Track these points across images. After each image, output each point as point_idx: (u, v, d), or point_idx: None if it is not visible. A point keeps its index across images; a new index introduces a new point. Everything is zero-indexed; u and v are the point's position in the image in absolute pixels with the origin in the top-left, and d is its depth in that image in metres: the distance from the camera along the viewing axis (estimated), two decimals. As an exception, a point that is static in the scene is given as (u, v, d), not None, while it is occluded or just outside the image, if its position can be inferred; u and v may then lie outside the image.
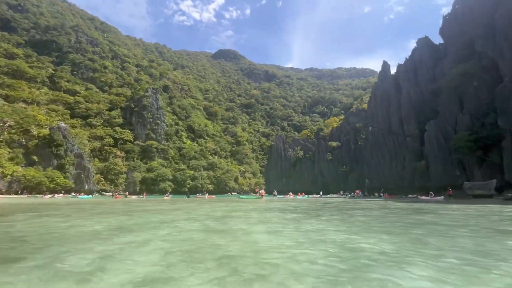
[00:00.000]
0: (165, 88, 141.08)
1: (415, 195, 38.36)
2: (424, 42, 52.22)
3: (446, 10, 69.13)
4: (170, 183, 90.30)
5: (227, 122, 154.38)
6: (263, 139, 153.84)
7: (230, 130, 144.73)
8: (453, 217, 10.16)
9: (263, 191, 43.72)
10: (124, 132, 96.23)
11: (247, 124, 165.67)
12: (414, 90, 48.88)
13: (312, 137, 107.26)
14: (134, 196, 52.65)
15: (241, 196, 44.36)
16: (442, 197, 31.56)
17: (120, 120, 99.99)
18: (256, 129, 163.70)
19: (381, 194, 43.95)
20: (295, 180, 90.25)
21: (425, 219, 9.44)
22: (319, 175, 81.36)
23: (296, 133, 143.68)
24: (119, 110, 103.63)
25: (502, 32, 34.08)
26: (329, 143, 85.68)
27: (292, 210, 14.49)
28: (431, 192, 34.09)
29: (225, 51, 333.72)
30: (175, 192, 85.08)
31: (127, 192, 61.58)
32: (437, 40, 50.34)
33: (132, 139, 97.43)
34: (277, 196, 47.95)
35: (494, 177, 30.14)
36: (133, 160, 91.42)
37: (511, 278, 3.13)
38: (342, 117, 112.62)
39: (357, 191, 52.89)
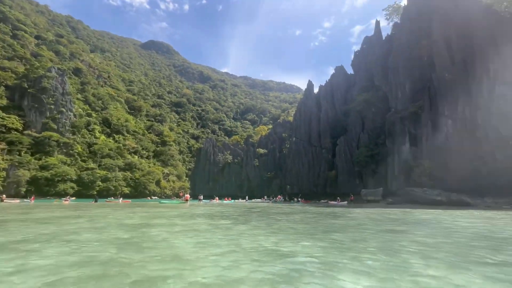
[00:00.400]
0: (77, 72, 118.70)
1: (325, 200, 43.95)
2: (340, 70, 61.71)
3: (356, 47, 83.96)
4: (73, 185, 75.25)
5: (153, 120, 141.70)
6: (192, 141, 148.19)
7: (156, 129, 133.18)
8: (358, 220, 11.85)
9: (188, 196, 41.46)
10: (9, 117, 75.12)
11: (175, 124, 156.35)
12: (330, 109, 56.73)
13: (242, 143, 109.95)
14: (16, 200, 40.93)
15: (162, 201, 40.81)
16: (346, 202, 37.24)
17: (4, 102, 77.76)
18: (186, 130, 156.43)
19: (299, 199, 48.42)
20: (221, 184, 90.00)
21: (338, 222, 10.64)
22: (246, 180, 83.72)
23: (227, 138, 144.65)
24: (2, 88, 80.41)
25: (392, 72, 43.65)
26: (257, 149, 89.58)
27: (220, 215, 14.02)
28: (338, 198, 39.76)
29: (158, 43, 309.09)
30: (79, 195, 71.30)
31: (4, 195, 47.34)
32: (350, 70, 60.36)
33: (21, 128, 76.94)
34: (203, 200, 46.44)
35: (382, 186, 37.68)
36: (20, 154, 72.04)
37: (415, 276, 3.60)
38: (270, 126, 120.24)
39: (279, 196, 56.84)
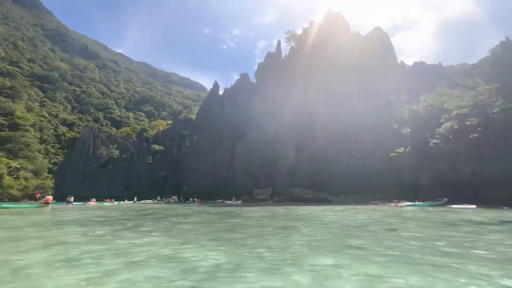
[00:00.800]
0: None
1: (221, 200, 45.09)
2: (245, 78, 65.71)
3: (260, 60, 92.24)
4: None
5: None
6: (63, 129, 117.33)
7: (2, 106, 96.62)
8: (255, 218, 12.64)
9: (50, 197, 31.96)
10: None
11: (38, 104, 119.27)
12: (233, 113, 59.19)
13: (134, 137, 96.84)
14: None
15: (3, 205, 29.59)
16: (240, 201, 39.52)
17: None
18: (54, 113, 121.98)
19: (195, 200, 47.52)
20: (102, 183, 75.65)
21: (237, 222, 10.93)
22: (135, 179, 74.13)
23: (114, 129, 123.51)
24: None
25: (287, 89, 50.46)
26: (152, 145, 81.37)
27: (100, 221, 11.48)
28: (233, 197, 41.68)
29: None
30: None
31: None
32: (253, 79, 65.15)
33: None
34: (74, 203, 37.30)
35: (271, 186, 42.50)
36: None
37: (309, 266, 4.01)
38: (170, 122, 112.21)
39: (174, 196, 53.74)
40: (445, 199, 22.16)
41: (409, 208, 20.68)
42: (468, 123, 24.58)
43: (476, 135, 23.74)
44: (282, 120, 49.03)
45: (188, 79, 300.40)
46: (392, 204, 24.50)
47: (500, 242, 5.99)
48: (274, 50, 62.41)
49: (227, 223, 10.31)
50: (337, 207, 21.79)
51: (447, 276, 3.42)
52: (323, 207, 21.98)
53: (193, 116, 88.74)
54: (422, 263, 4.08)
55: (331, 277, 3.46)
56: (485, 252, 4.85)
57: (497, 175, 21.85)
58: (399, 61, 50.99)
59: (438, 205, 21.63)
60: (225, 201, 41.11)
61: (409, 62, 51.66)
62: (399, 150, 29.68)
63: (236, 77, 71.34)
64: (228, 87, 66.29)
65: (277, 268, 3.89)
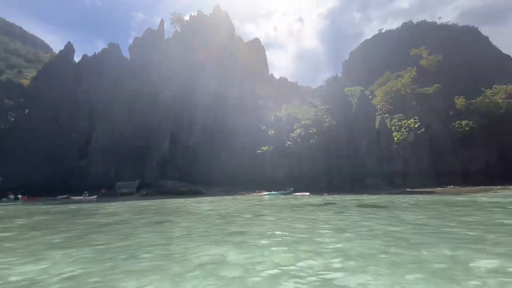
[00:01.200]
0: None
1: (66, 196, 35.33)
2: (114, 49, 54.63)
3: (137, 34, 79.65)
4: None
5: None
6: None
7: None
8: (118, 215, 10.72)
9: None
10: None
11: None
12: (94, 88, 47.77)
13: None
14: None
15: None
16: (95, 196, 32.48)
17: None
18: None
19: (18, 196, 34.53)
20: None
21: (95, 222, 8.85)
22: None
23: None
24: None
25: (167, 73, 46.76)
26: None
27: None
28: (85, 192, 33.70)
29: None
30: None
31: None
32: (126, 53, 55.27)
33: None
34: None
35: (138, 178, 37.91)
36: None
37: (185, 257, 3.80)
38: (-23, 82, 74.71)
39: (-24, 193, 36.42)
40: (292, 189, 28.33)
41: (266, 197, 24.72)
42: (310, 131, 32.68)
43: (313, 141, 31.97)
44: (158, 106, 44.94)
45: (21, 28, 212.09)
46: (255, 194, 28.43)
47: (330, 217, 8.29)
48: (156, 28, 56.01)
49: (79, 224, 8.11)
50: (210, 198, 22.61)
51: (305, 250, 4.27)
52: (196, 199, 22.13)
53: (26, 82, 63.91)
54: (287, 242, 4.90)
55: (218, 267, 3.43)
56: (325, 225, 6.54)
57: (306, 171, 30.39)
58: (270, 73, 59.88)
59: (287, 194, 27.31)
60: (72, 197, 32.55)
61: (277, 75, 61.90)
62: (264, 148, 34.94)
63: (102, 45, 57.90)
64: (90, 55, 52.78)
65: (159, 268, 3.42)
